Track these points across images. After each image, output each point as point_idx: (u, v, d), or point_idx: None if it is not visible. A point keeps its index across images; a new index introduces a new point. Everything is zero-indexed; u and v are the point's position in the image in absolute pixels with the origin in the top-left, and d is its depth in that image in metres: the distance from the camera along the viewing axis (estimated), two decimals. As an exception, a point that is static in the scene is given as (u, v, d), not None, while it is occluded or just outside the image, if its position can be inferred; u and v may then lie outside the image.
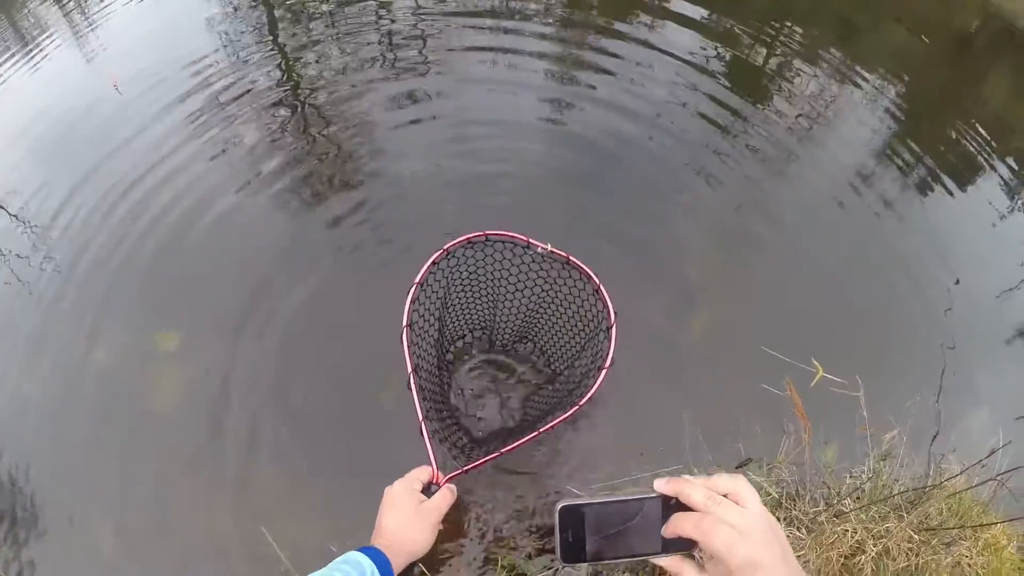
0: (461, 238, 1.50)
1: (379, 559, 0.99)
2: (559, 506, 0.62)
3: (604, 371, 1.35)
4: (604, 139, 2.99)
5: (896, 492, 1.71)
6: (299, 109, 3.13)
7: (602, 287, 1.49)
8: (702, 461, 1.85)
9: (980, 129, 3.60)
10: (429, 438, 1.17)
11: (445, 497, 1.11)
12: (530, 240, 1.51)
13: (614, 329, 1.43)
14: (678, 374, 2.14)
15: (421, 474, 1.14)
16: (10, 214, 2.72)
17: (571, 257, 1.51)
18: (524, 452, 1.86)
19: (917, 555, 1.60)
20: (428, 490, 1.11)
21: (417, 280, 1.45)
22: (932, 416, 2.04)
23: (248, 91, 3.23)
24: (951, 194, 3.12)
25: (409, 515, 1.02)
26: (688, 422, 1.92)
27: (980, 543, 1.68)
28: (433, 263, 1.49)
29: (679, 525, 0.59)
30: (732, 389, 2.05)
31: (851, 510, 1.70)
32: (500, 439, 1.72)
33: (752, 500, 0.59)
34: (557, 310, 1.79)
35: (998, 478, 1.66)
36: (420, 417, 1.18)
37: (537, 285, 1.75)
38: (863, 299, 2.49)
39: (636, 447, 1.95)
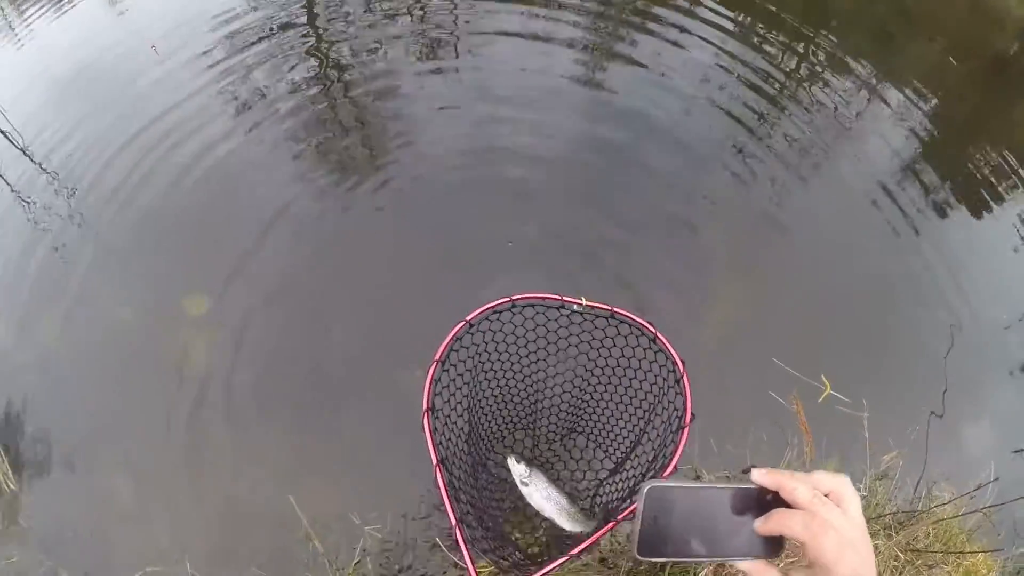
0: (483, 307, 1.30)
1: None
2: (647, 487, 0.53)
3: (685, 431, 1.18)
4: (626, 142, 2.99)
5: (887, 512, 1.79)
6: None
7: (660, 335, 1.30)
8: (712, 466, 1.92)
9: (1009, 155, 3.58)
10: (468, 548, 0.93)
11: None
12: (564, 298, 1.31)
13: (685, 379, 1.26)
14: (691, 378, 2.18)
15: None
16: (35, 162, 2.73)
17: (616, 309, 1.32)
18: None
19: (901, 574, 1.69)
20: None
21: (437, 357, 1.24)
22: (930, 443, 2.11)
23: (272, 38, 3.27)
24: (976, 216, 3.13)
25: None
26: (697, 427, 1.97)
27: (961, 570, 1.77)
28: (454, 337, 1.28)
29: (783, 522, 0.52)
30: (742, 397, 2.10)
31: (843, 525, 1.77)
32: (560, 542, 1.50)
33: (855, 504, 0.53)
34: (610, 379, 1.54)
35: (984, 511, 1.73)
36: (453, 521, 0.96)
37: (581, 352, 1.50)
38: (878, 322, 2.52)
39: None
